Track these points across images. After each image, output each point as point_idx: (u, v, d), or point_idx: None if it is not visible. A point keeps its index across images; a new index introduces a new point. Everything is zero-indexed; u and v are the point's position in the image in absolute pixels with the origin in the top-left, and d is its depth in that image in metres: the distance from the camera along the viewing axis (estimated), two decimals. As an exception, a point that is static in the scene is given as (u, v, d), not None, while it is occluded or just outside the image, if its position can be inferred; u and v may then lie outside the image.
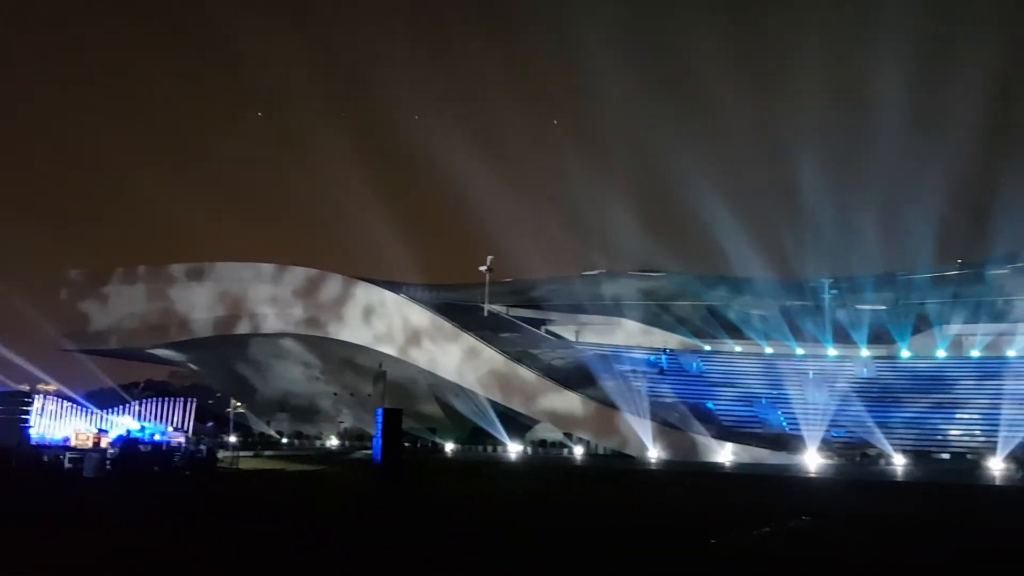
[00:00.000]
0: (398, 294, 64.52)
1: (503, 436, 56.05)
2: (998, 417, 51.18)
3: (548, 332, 73.27)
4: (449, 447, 57.69)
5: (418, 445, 58.71)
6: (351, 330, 63.63)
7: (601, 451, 56.13)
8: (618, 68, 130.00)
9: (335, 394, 67.77)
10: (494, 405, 57.97)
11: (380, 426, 38.52)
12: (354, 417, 65.80)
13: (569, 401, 57.19)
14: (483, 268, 74.33)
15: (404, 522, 18.67)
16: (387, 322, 63.18)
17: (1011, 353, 63.43)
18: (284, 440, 65.09)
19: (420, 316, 62.98)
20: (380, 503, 23.18)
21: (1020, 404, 52.00)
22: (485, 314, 72.62)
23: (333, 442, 62.57)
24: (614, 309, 75.27)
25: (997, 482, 38.04)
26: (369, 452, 42.42)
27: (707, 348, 70.59)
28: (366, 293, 64.63)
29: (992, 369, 60.70)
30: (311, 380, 68.24)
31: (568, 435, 57.85)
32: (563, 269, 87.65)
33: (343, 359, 65.87)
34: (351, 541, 15.63)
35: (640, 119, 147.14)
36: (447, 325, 62.26)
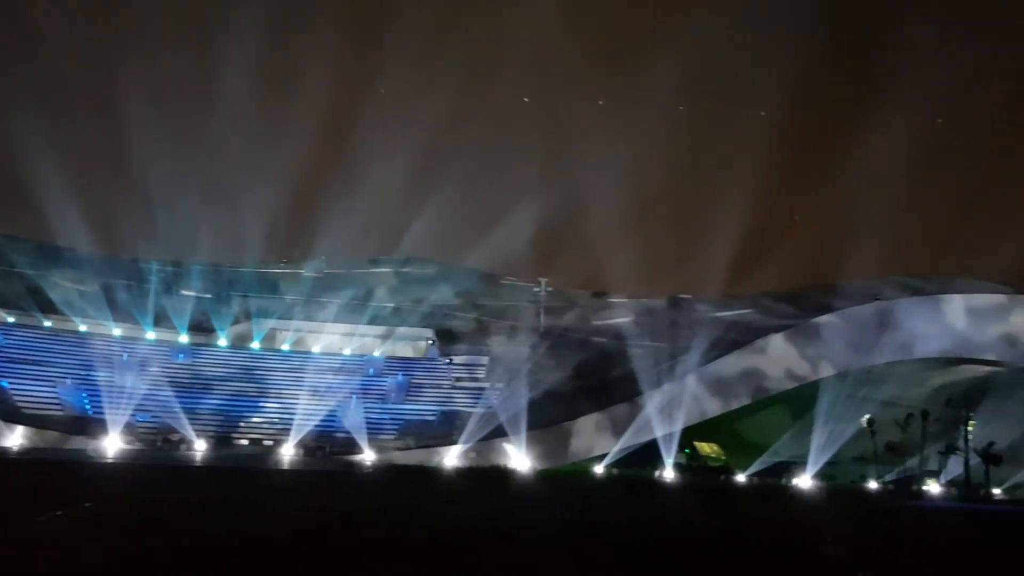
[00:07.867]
0: None
1: None
2: (296, 407, 55.98)
3: None
4: None
5: None
6: None
7: None
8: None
9: None
10: None
11: None
12: None
13: None
14: None
15: None
16: None
17: (315, 349, 70.56)
18: None
19: None
20: None
21: (317, 396, 57.61)
22: None
23: None
24: None
25: (286, 465, 41.68)
26: None
27: (11, 320, 62.78)
28: None
29: (298, 363, 66.35)
30: None
31: None
32: None
33: None
34: None
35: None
36: None
